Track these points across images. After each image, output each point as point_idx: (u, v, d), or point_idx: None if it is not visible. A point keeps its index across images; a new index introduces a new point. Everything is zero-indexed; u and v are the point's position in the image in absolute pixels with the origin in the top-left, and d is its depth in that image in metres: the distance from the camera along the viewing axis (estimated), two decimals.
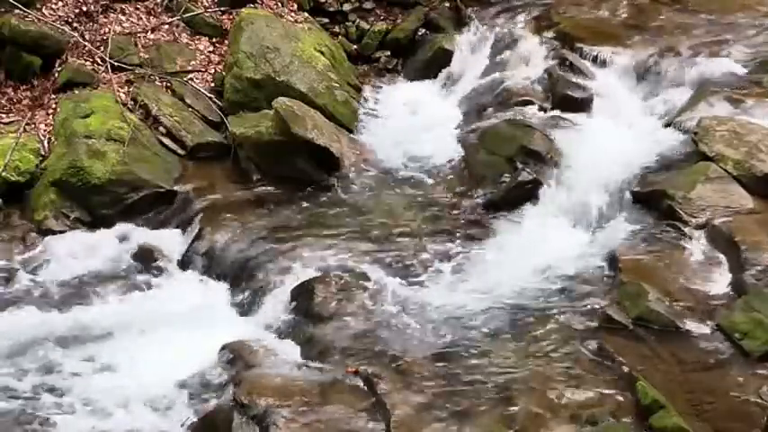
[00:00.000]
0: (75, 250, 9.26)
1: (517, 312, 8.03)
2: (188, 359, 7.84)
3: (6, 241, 9.35)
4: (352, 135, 10.72)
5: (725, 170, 8.95)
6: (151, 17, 11.56)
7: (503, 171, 9.73)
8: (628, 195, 9.13)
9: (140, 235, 9.45)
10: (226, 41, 11.38)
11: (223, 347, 7.90)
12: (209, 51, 11.43)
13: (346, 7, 12.35)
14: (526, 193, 9.43)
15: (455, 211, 9.53)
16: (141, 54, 11.09)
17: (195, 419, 7.29)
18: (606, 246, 8.69)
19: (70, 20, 11.02)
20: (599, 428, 6.71)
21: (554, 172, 9.51)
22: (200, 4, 11.76)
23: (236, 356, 7.77)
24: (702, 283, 8.07)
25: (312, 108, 10.39)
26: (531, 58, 11.10)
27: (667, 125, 9.90)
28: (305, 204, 9.72)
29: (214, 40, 11.54)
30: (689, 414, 6.77)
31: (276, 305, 8.37)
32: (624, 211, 9.06)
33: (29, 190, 9.80)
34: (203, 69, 11.19)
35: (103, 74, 10.72)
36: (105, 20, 11.22)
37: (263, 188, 9.93)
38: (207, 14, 11.63)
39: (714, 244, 8.37)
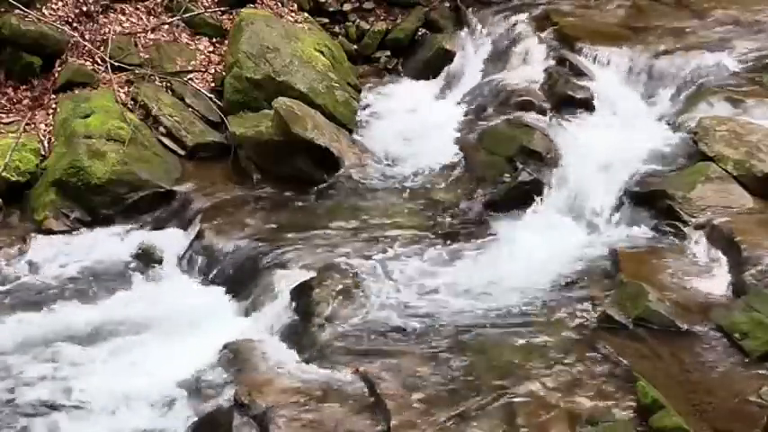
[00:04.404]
0: (76, 250, 9.26)
1: (517, 312, 8.02)
2: (188, 359, 7.83)
3: (6, 241, 9.35)
4: (352, 135, 10.73)
5: (725, 170, 8.95)
6: (151, 17, 11.56)
7: (503, 171, 9.73)
8: (628, 195, 9.13)
9: (140, 235, 9.45)
10: (226, 41, 11.39)
11: (223, 347, 7.89)
12: (210, 51, 11.43)
13: (346, 7, 12.37)
14: (526, 194, 9.42)
15: (455, 212, 9.52)
16: (141, 54, 11.09)
17: (195, 419, 7.29)
18: (606, 246, 8.69)
19: (70, 20, 11.02)
20: (599, 428, 6.70)
21: (554, 172, 9.51)
22: (200, 4, 11.76)
23: (236, 356, 7.76)
24: (702, 283, 8.07)
25: (312, 108, 10.39)
26: (531, 59, 11.10)
27: (667, 125, 9.91)
28: (305, 204, 9.72)
29: (214, 40, 11.55)
30: (689, 414, 6.76)
31: (276, 305, 8.36)
32: (624, 212, 9.06)
33: (29, 190, 9.80)
34: (203, 69, 11.19)
35: (103, 74, 10.73)
36: (105, 20, 11.23)
37: (263, 188, 9.94)
38: (207, 14, 11.63)
39: (714, 244, 8.36)
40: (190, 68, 11.13)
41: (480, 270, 8.60)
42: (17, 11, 10.59)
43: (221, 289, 8.85)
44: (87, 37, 10.94)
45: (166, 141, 10.28)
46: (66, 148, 9.82)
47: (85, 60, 10.86)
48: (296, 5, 12.01)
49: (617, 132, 9.84)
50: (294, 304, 8.30)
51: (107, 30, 11.09)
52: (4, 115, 10.39)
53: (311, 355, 7.74)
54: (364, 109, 11.24)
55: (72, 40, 10.81)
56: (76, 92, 10.51)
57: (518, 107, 10.41)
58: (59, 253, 9.21)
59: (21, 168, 9.81)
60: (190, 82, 10.92)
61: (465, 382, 7.25)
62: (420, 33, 12.22)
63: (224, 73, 10.93)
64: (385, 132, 10.86)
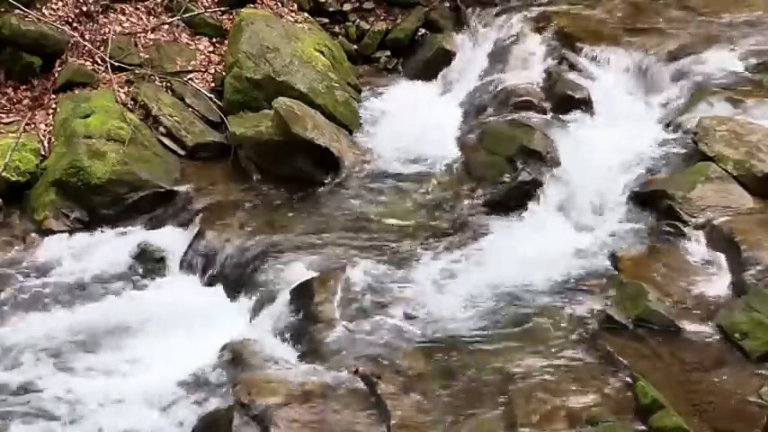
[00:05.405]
0: (75, 250, 9.26)
1: (517, 313, 8.02)
2: (188, 359, 7.84)
3: (6, 241, 9.36)
4: (352, 135, 10.73)
5: (725, 170, 8.94)
6: (151, 17, 11.57)
7: (503, 171, 9.72)
8: (628, 195, 9.13)
9: (140, 235, 9.45)
10: (226, 41, 11.39)
11: (223, 347, 7.90)
12: (209, 51, 11.44)
13: (346, 7, 12.36)
14: (526, 194, 9.41)
15: (455, 212, 9.52)
16: (141, 54, 11.09)
17: (195, 419, 7.29)
18: (606, 246, 8.69)
19: (70, 20, 11.03)
20: (599, 428, 6.70)
21: (554, 172, 9.51)
22: (200, 4, 11.76)
23: (236, 356, 7.77)
24: (702, 283, 8.07)
25: (312, 108, 10.39)
26: (531, 59, 11.09)
27: (667, 125, 9.90)
28: (305, 204, 9.72)
29: (214, 40, 11.55)
30: (689, 414, 6.77)
31: (276, 305, 8.36)
32: (624, 212, 9.06)
33: (29, 190, 9.81)
34: (203, 69, 11.19)
35: (103, 74, 10.73)
36: (105, 20, 11.23)
37: (263, 188, 9.94)
38: (207, 14, 11.63)
39: (714, 244, 8.36)
40: (190, 68, 11.13)
41: (480, 270, 8.60)
42: (17, 11, 10.59)
43: (221, 289, 8.85)
44: (87, 37, 10.94)
45: (166, 141, 10.28)
46: (66, 148, 9.82)
47: (85, 60, 10.86)
48: (296, 5, 12.00)
49: (617, 132, 9.83)
50: (294, 304, 8.30)
51: (107, 30, 11.09)
52: (4, 115, 10.40)
53: (311, 355, 7.74)
54: (364, 109, 11.24)
55: (72, 40, 10.81)
56: (76, 92, 10.52)
57: (518, 107, 10.41)
58: (59, 253, 9.21)
59: (21, 168, 9.81)
60: (190, 82, 10.93)
61: (465, 382, 7.26)
62: (420, 33, 12.21)
63: (224, 73, 10.93)
64: (385, 132, 10.85)
